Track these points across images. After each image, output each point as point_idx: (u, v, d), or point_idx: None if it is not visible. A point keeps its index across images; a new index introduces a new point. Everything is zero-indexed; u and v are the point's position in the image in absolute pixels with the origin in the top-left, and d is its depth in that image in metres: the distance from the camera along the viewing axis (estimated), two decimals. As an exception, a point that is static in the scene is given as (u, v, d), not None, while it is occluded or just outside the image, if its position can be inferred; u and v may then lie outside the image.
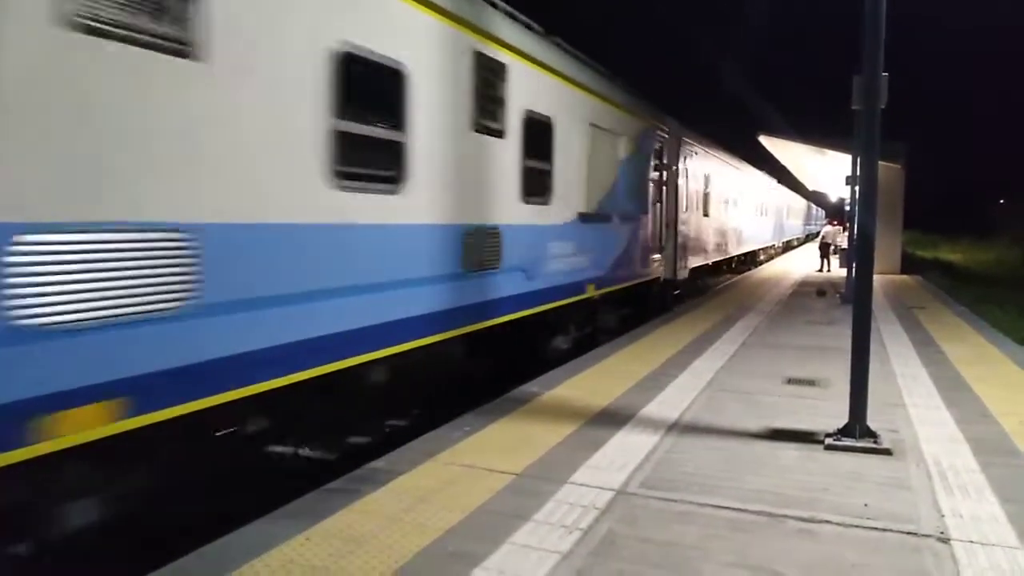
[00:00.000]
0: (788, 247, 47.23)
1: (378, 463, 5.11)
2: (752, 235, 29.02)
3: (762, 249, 34.15)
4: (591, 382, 7.68)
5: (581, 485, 4.73)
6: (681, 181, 15.77)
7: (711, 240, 20.19)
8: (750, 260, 30.34)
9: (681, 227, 15.84)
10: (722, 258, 22.60)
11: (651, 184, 13.54)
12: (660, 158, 14.11)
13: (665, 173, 14.43)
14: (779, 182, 40.45)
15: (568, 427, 5.99)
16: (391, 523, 4.13)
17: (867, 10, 5.66)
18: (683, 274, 16.20)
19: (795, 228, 53.41)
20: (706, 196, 19.11)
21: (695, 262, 17.82)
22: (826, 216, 69.56)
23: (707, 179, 19.13)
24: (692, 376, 8.03)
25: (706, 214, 19.21)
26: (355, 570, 3.58)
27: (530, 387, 7.40)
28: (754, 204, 29.48)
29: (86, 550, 3.90)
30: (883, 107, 5.77)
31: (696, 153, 17.45)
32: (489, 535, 3.98)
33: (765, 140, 27.66)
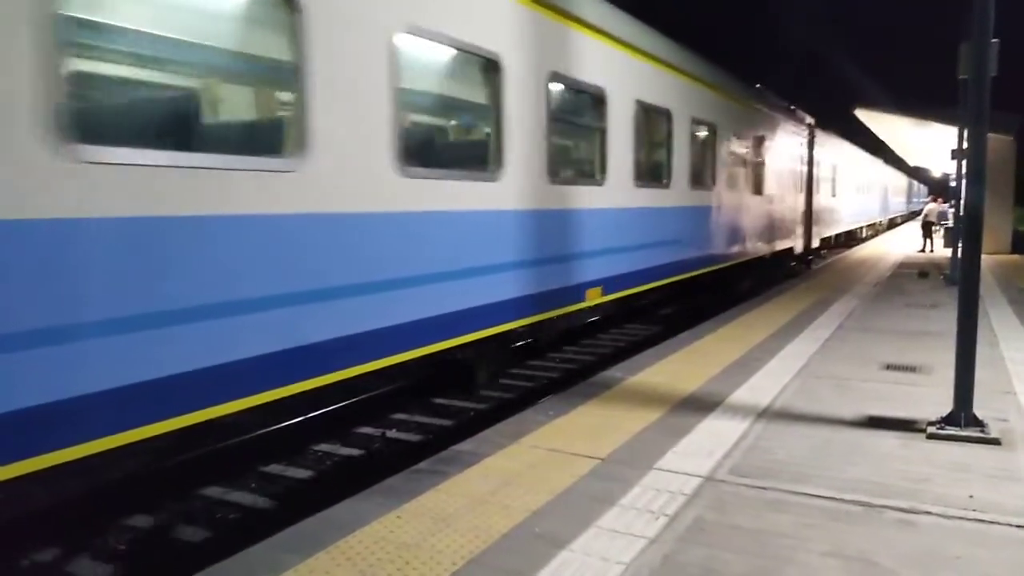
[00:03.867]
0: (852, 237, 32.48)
1: (464, 445, 5.21)
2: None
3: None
4: (677, 367, 7.57)
5: (667, 471, 4.69)
6: None
7: None
8: None
9: None
10: None
11: None
12: None
13: None
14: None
15: (653, 413, 5.94)
16: (478, 504, 4.20)
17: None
18: None
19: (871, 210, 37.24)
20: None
21: None
22: (929, 193, 66.06)
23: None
24: (783, 361, 7.81)
25: None
26: (444, 548, 3.67)
27: (614, 372, 7.36)
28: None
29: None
30: (993, 75, 5.43)
31: None
32: (575, 518, 4.00)
33: (862, 114, 26.45)
